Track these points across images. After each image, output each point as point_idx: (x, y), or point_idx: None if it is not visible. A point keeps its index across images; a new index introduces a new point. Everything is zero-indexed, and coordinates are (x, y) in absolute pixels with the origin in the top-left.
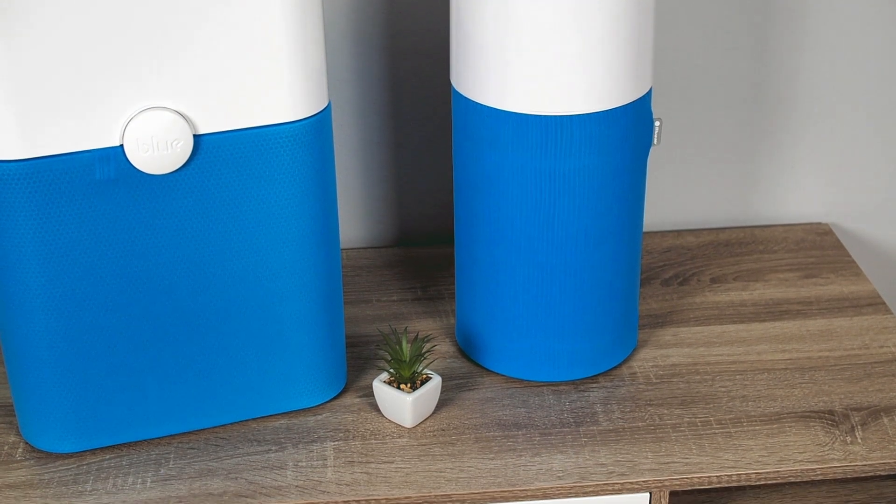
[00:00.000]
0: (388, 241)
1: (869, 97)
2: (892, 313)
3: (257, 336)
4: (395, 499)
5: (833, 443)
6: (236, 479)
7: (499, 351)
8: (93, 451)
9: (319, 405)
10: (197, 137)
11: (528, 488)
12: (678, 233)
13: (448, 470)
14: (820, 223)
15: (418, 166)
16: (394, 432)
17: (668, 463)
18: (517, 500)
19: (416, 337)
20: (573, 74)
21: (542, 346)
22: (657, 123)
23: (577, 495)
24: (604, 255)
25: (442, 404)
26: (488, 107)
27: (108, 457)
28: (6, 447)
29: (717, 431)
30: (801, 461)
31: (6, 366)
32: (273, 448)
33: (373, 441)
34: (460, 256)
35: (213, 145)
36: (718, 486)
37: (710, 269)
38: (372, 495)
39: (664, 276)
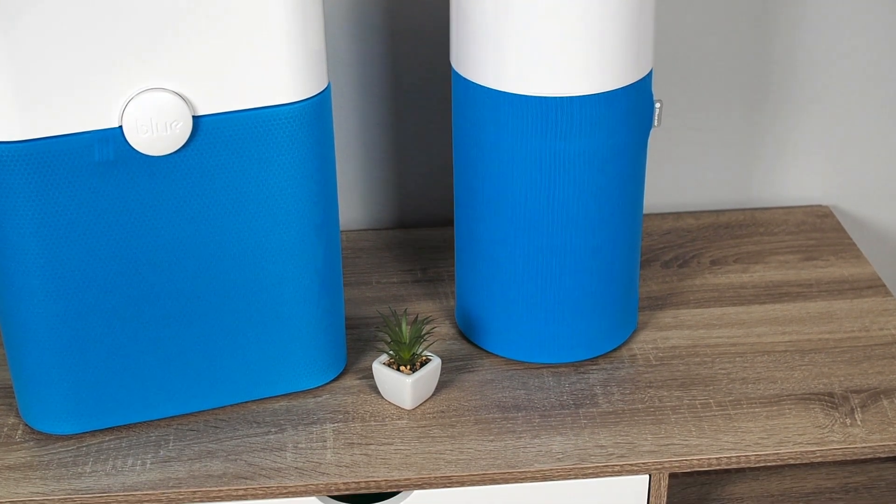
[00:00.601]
0: (388, 223)
1: (870, 79)
2: (892, 296)
3: (257, 318)
4: (395, 480)
5: (832, 425)
6: (236, 460)
7: (498, 333)
8: (92, 433)
9: (319, 387)
10: (196, 119)
11: (527, 470)
12: (678, 215)
13: (447, 452)
14: (820, 205)
15: (418, 148)
16: (393, 414)
17: (667, 445)
18: (516, 482)
19: (416, 319)
20: (573, 56)
21: (542, 328)
22: (657, 105)
23: (576, 477)
24: (604, 237)
25: (441, 386)
26: (488, 88)
27: (107, 438)
28: (5, 429)
29: (716, 413)
30: (800, 443)
31: (5, 347)
32: (272, 430)
33: (372, 423)
34: (460, 238)
35: (212, 126)
36: (718, 468)
37: (710, 251)
38: (371, 477)
39: (664, 258)
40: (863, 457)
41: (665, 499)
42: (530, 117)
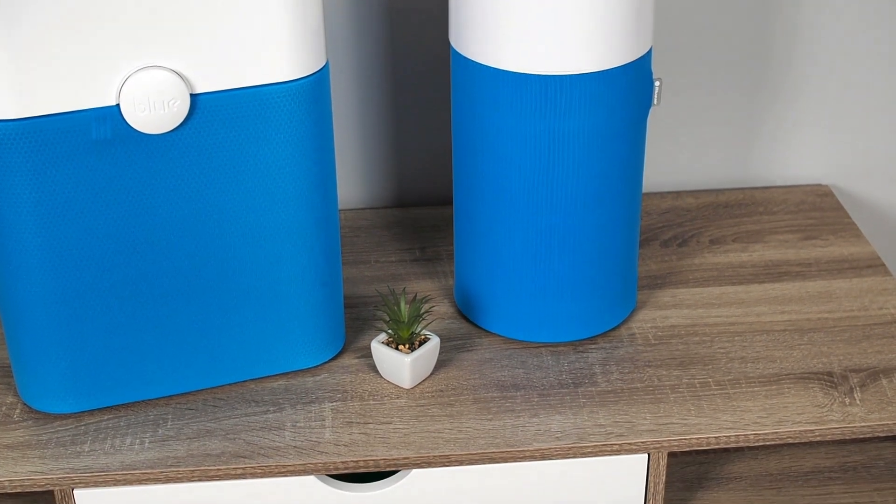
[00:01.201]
0: (387, 202)
1: (870, 58)
2: (891, 275)
3: (255, 296)
4: (394, 459)
5: (831, 404)
6: (234, 439)
7: (497, 312)
8: (91, 412)
9: (318, 366)
10: (194, 97)
11: (526, 449)
12: (677, 194)
13: (446, 431)
14: (820, 184)
15: (417, 126)
16: (392, 393)
17: (666, 424)
18: (515, 461)
19: (415, 298)
20: (572, 34)
21: (541, 307)
22: (657, 83)
23: (575, 456)
24: (603, 215)
25: (440, 365)
26: (487, 66)
27: (106, 417)
28: (4, 408)
29: (715, 393)
30: (799, 422)
31: (3, 326)
32: (271, 409)
33: (371, 402)
34: (459, 217)
35: (210, 104)
36: (717, 447)
37: (710, 230)
38: (370, 456)
39: (663, 237)
40: (861, 436)
41: (664, 478)
42: (529, 96)
